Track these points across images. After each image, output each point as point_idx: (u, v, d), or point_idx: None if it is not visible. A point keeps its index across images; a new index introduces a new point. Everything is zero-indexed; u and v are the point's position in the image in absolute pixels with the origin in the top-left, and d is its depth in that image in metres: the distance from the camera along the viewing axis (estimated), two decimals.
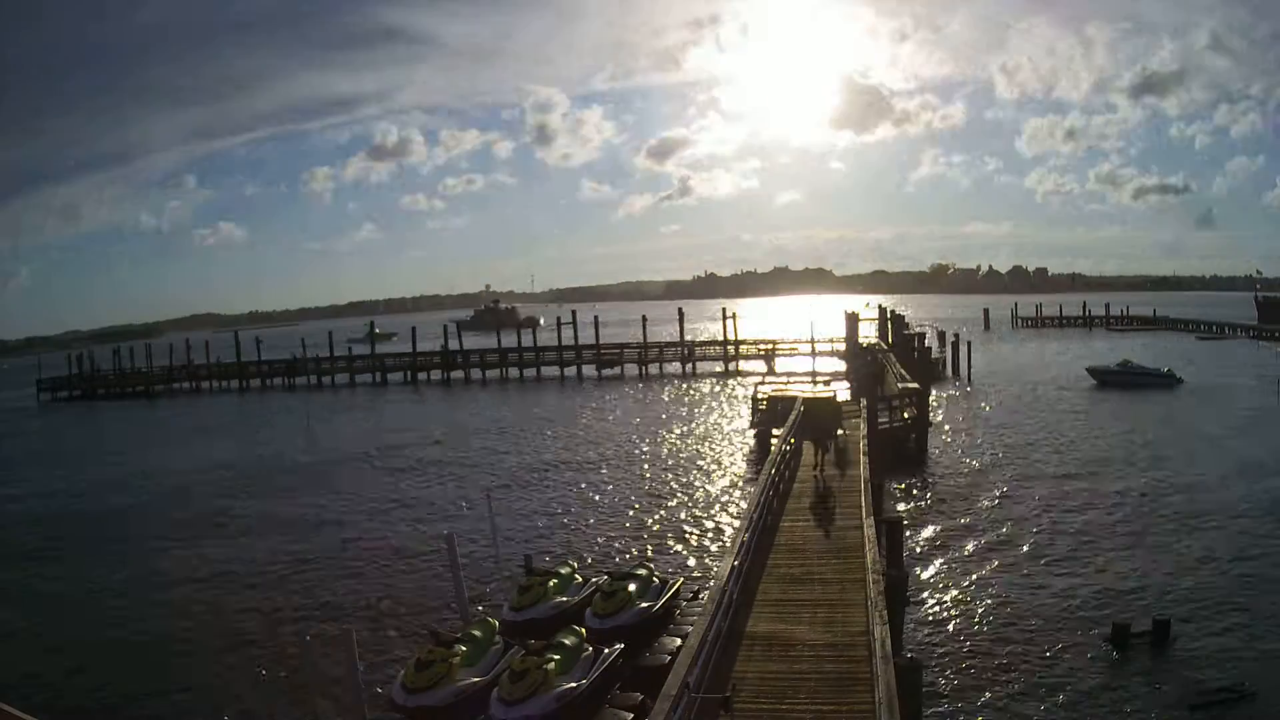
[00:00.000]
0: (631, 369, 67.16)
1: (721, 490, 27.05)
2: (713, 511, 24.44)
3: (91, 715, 13.90)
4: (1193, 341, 79.83)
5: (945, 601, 16.84)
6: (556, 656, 11.69)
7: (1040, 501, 24.30)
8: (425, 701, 11.49)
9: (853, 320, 35.66)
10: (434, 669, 11.76)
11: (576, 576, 15.86)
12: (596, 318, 71.15)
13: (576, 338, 70.16)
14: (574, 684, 11.35)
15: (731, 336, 68.63)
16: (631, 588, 14.31)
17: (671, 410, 46.42)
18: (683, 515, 24.18)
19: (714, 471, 29.97)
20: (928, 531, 21.65)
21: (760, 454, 29.67)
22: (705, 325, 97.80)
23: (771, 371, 61.85)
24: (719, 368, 65.90)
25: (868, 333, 55.47)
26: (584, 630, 13.02)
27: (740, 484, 27.35)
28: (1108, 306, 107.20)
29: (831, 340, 63.98)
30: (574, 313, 72.58)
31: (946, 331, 67.47)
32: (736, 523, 17.59)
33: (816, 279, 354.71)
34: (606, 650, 12.32)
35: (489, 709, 11.13)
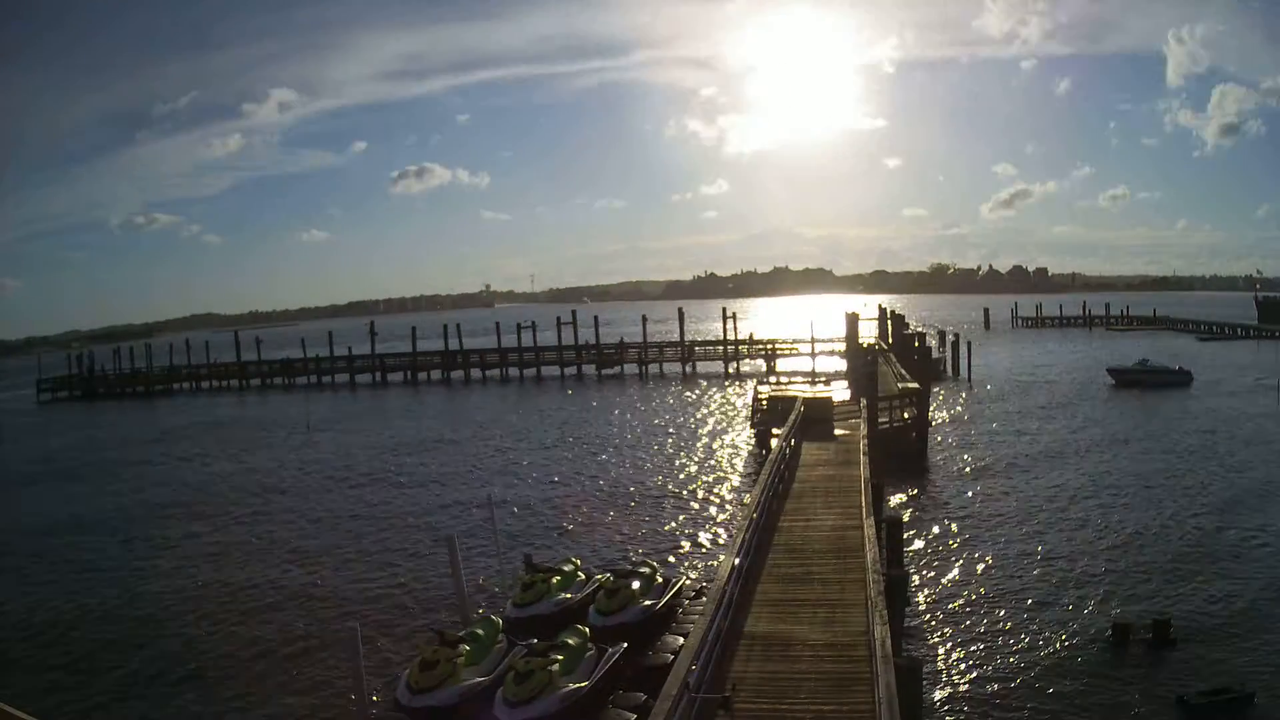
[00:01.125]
0: (631, 369, 67.23)
1: (721, 490, 27.05)
2: (713, 511, 24.45)
3: (91, 715, 13.91)
4: (1193, 341, 79.85)
5: (945, 601, 16.84)
6: (560, 657, 11.70)
7: (1040, 500, 24.30)
8: (430, 702, 11.49)
9: (853, 320, 35.73)
10: (439, 669, 11.75)
11: (579, 574, 15.86)
12: (596, 318, 71.23)
13: (576, 338, 70.23)
14: (578, 685, 11.36)
15: (731, 336, 68.66)
16: (635, 585, 14.31)
17: (671, 410, 46.43)
18: (683, 515, 24.18)
19: (714, 471, 29.97)
20: (928, 531, 21.65)
21: (760, 454, 29.68)
22: (706, 325, 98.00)
23: (771, 371, 61.88)
24: (719, 368, 65.92)
25: (870, 332, 55.51)
26: (587, 629, 13.04)
27: (740, 484, 27.35)
28: (1108, 306, 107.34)
29: (831, 340, 64.03)
30: (574, 313, 72.64)
31: (946, 331, 67.53)
32: (737, 522, 17.59)
33: (817, 279, 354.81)
34: (610, 650, 12.34)
35: (493, 709, 11.14)
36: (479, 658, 12.37)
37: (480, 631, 12.97)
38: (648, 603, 14.18)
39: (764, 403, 33.02)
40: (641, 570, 15.23)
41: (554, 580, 15.14)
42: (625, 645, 12.67)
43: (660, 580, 15.13)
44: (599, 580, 15.35)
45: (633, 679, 12.23)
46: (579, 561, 16.69)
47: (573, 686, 11.30)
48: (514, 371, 70.08)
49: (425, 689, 11.58)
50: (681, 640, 12.65)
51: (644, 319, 70.84)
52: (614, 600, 13.93)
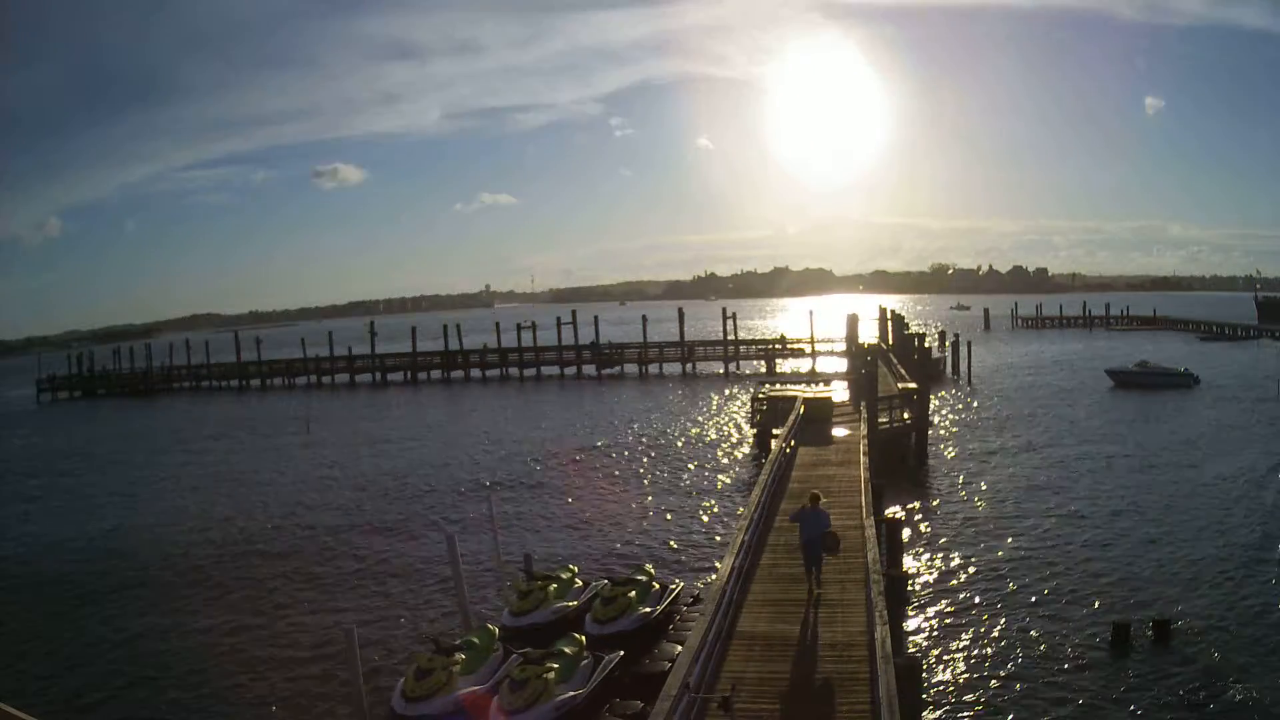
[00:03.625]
0: (631, 369, 67.19)
1: (721, 490, 27.04)
2: (713, 511, 24.43)
3: (91, 715, 13.90)
4: (1193, 341, 79.81)
5: (945, 601, 16.82)
6: (556, 665, 11.70)
7: (1040, 501, 24.27)
8: (425, 710, 11.51)
9: (853, 321, 35.66)
10: (434, 677, 11.78)
11: (577, 580, 15.87)
12: (596, 318, 71.17)
13: (576, 338, 70.19)
14: (574, 693, 11.36)
15: (731, 336, 68.59)
16: (632, 593, 14.31)
17: (671, 410, 46.39)
18: (683, 515, 24.17)
19: (714, 471, 29.95)
20: (928, 531, 21.63)
21: (760, 454, 29.66)
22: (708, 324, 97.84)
23: (772, 372, 61.85)
24: (719, 368, 65.88)
25: (873, 333, 55.46)
26: (583, 638, 13.04)
27: (740, 484, 27.33)
28: (1108, 306, 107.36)
29: (832, 340, 63.98)
30: (574, 312, 72.58)
31: (946, 331, 67.45)
32: (736, 523, 17.58)
33: (816, 279, 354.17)
34: (606, 658, 12.33)
35: (489, 717, 11.15)
36: (475, 666, 12.39)
37: (476, 640, 12.99)
38: (645, 610, 14.19)
39: (764, 403, 32.99)
40: (638, 577, 15.21)
41: (551, 588, 15.12)
42: (621, 653, 12.67)
43: (657, 587, 15.12)
44: (596, 587, 15.35)
45: (629, 687, 12.23)
46: (576, 569, 16.69)
47: (569, 694, 11.30)
48: (514, 371, 70.08)
49: (420, 697, 11.60)
50: (679, 648, 12.65)
51: (644, 319, 70.78)
52: (610, 608, 13.95)
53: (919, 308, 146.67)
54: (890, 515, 18.50)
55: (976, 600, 16.83)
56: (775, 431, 27.47)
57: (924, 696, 12.34)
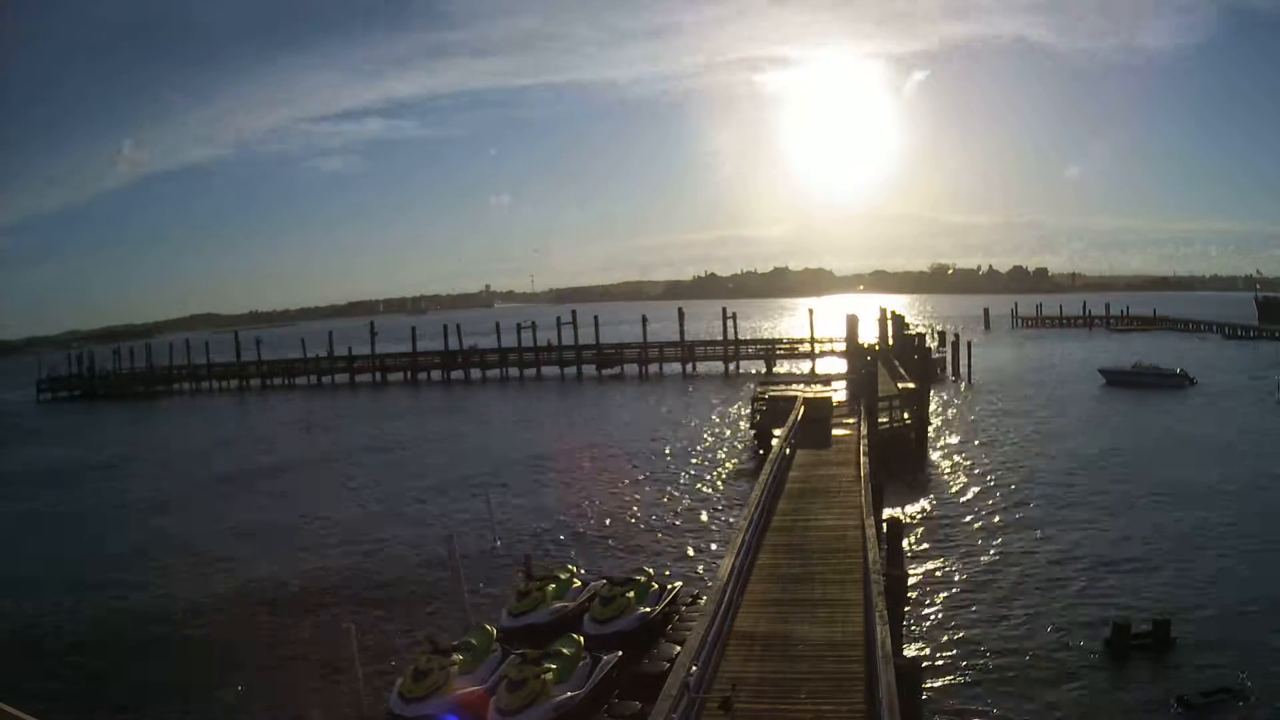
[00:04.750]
0: (631, 369, 67.20)
1: (721, 490, 27.03)
2: (712, 511, 24.43)
3: (91, 715, 13.89)
4: (1193, 342, 79.80)
5: (945, 601, 16.82)
6: (554, 665, 11.71)
7: (1041, 501, 24.27)
8: (422, 711, 11.51)
9: (853, 321, 35.67)
10: (431, 678, 11.78)
11: (575, 580, 15.87)
12: (596, 318, 71.17)
13: (576, 338, 70.18)
14: (571, 693, 11.38)
15: (731, 336, 68.58)
16: (630, 593, 14.33)
17: (671, 410, 46.39)
18: (682, 516, 24.16)
19: (714, 471, 29.94)
20: (928, 531, 21.62)
21: (760, 454, 29.66)
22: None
23: (771, 372, 61.86)
24: (719, 368, 65.88)
25: (872, 333, 55.43)
26: (582, 638, 13.04)
27: (740, 484, 27.32)
28: (1108, 306, 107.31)
29: (832, 340, 64.02)
30: (574, 312, 72.58)
31: (946, 331, 67.45)
32: (736, 523, 17.58)
33: (816, 279, 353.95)
34: (604, 658, 12.34)
35: (487, 717, 11.15)
36: (472, 666, 12.40)
37: (474, 640, 12.98)
38: (644, 610, 14.19)
39: (764, 403, 32.97)
40: (637, 578, 15.23)
41: (550, 588, 15.14)
42: (620, 653, 12.67)
43: (656, 587, 15.13)
44: (595, 587, 15.36)
45: (628, 687, 12.22)
46: (574, 569, 16.69)
47: (566, 695, 11.31)
48: (514, 371, 70.08)
49: (417, 698, 11.61)
50: (678, 648, 12.66)
51: (644, 319, 70.75)
52: (609, 608, 13.95)
53: (967, 308, 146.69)
54: (890, 515, 18.47)
55: (976, 600, 16.83)
56: (775, 431, 27.46)
57: (924, 696, 12.34)
